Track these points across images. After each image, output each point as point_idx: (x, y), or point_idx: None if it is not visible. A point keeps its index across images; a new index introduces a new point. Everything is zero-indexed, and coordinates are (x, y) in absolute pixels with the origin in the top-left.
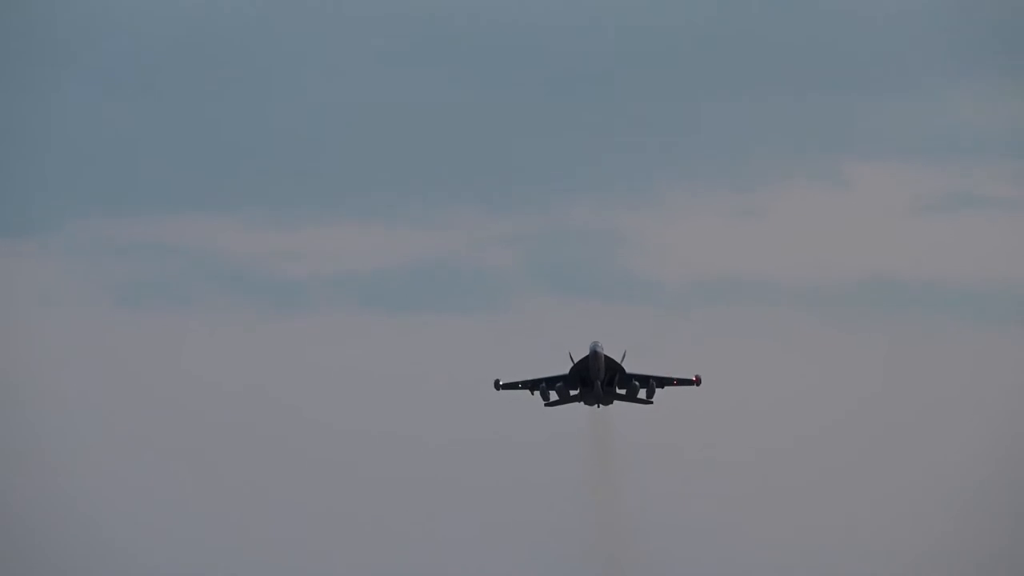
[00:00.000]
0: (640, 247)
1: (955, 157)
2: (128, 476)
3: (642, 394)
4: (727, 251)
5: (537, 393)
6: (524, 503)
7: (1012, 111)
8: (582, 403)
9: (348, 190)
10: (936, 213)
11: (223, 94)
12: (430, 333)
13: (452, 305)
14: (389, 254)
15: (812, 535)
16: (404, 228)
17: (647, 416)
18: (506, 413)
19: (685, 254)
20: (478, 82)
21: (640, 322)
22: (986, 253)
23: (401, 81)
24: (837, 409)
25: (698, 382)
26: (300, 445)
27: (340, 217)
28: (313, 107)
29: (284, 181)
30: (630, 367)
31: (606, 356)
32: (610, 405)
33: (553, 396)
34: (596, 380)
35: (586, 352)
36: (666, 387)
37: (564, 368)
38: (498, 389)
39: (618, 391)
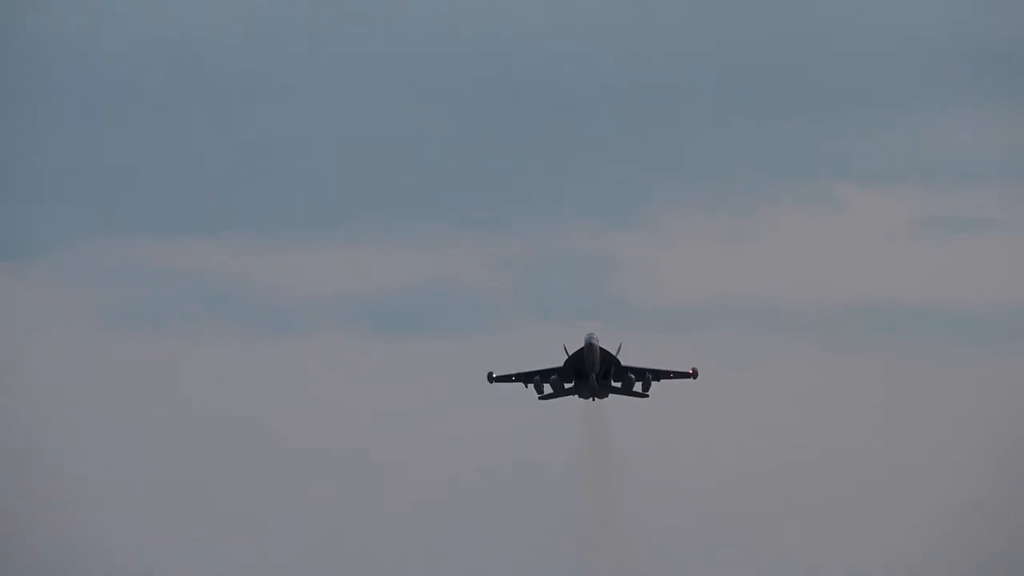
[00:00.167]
0: (634, 270)
1: (948, 181)
2: (119, 498)
3: (638, 387)
4: (721, 274)
5: (531, 386)
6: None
7: (1005, 135)
8: (577, 396)
9: (341, 213)
10: (929, 236)
11: (215, 117)
12: (424, 355)
13: (446, 327)
14: (382, 277)
15: (806, 553)
16: (397, 251)
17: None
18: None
19: (679, 277)
20: (472, 107)
21: (634, 344)
22: (979, 276)
23: (395, 105)
24: (830, 431)
25: (695, 375)
26: (292, 468)
27: (333, 240)
28: (305, 130)
29: (277, 204)
30: (625, 360)
31: (601, 348)
32: (605, 399)
33: (547, 389)
34: (591, 373)
35: (581, 344)
36: (662, 380)
37: (558, 360)
38: (491, 382)
39: (613, 384)
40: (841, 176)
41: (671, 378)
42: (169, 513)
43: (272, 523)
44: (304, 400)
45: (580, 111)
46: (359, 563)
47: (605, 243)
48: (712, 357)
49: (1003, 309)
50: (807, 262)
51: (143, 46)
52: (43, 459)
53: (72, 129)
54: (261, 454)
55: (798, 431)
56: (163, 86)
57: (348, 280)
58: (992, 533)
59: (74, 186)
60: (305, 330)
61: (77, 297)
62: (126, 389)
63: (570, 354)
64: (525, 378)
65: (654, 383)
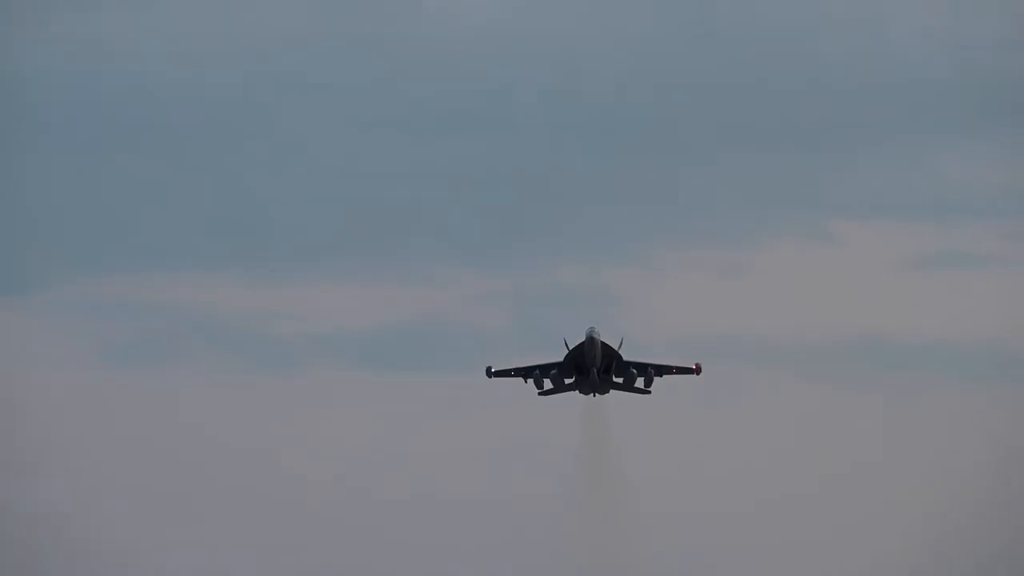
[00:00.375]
0: (630, 306)
1: (944, 216)
2: (116, 533)
3: (640, 383)
4: (717, 310)
5: (530, 381)
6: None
7: (1001, 171)
8: (577, 392)
9: (336, 248)
10: (925, 271)
11: (209, 153)
12: (419, 392)
13: (441, 364)
14: (377, 313)
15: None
16: (392, 287)
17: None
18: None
19: (675, 313)
20: (466, 143)
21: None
22: (975, 311)
23: (390, 142)
24: (827, 467)
25: (698, 371)
26: (289, 503)
27: (328, 275)
28: (299, 165)
29: (272, 240)
30: (627, 355)
31: (603, 342)
32: (606, 394)
33: (547, 384)
34: (592, 367)
35: (582, 338)
36: (664, 375)
37: (559, 355)
38: (490, 377)
39: (615, 379)
40: (839, 211)
41: (674, 373)
42: (167, 547)
43: (269, 556)
44: (301, 435)
45: (574, 146)
46: None
47: (601, 279)
48: (710, 392)
49: (1001, 343)
50: (804, 297)
51: (138, 84)
52: (40, 491)
53: (68, 166)
54: (258, 487)
55: (795, 467)
56: (160, 123)
57: (343, 316)
58: (990, 567)
59: (71, 222)
60: (302, 365)
61: (74, 332)
62: (122, 424)
63: (571, 348)
64: (524, 373)
65: (656, 379)
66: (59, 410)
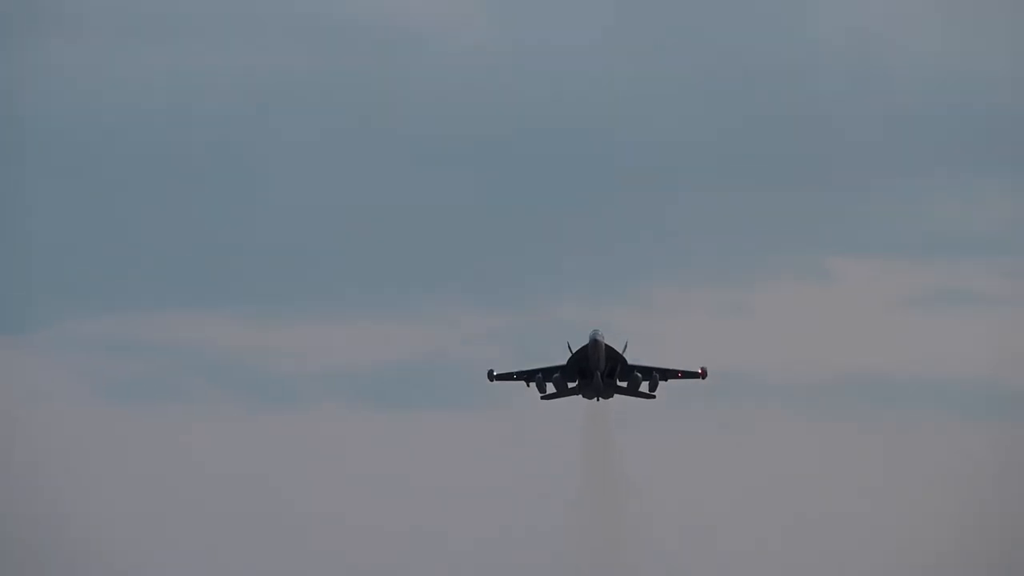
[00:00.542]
0: (630, 344)
1: (942, 253)
2: (119, 572)
3: (644, 387)
4: (716, 348)
5: (533, 385)
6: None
7: (999, 208)
8: (581, 396)
9: (337, 286)
10: (924, 308)
11: (210, 192)
12: (420, 428)
13: (442, 401)
14: (378, 350)
15: None
16: (392, 324)
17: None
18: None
19: (674, 351)
20: (467, 181)
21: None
22: (974, 349)
23: (391, 179)
24: (823, 504)
25: (704, 375)
26: (290, 539)
27: (329, 313)
28: (301, 204)
29: (273, 278)
30: (632, 358)
31: (607, 346)
32: (610, 399)
33: (550, 388)
34: (596, 371)
35: (585, 341)
36: (670, 379)
37: (562, 358)
38: (492, 380)
39: (619, 383)
40: (836, 249)
41: (679, 378)
42: None
43: None
44: (303, 471)
45: (574, 185)
46: None
47: (600, 317)
48: (707, 430)
49: (997, 381)
50: (802, 335)
51: (137, 121)
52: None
53: (70, 204)
54: (261, 524)
55: (792, 504)
56: (161, 160)
57: (343, 354)
58: None
59: (72, 261)
60: (302, 403)
61: (76, 370)
62: (124, 462)
63: (574, 351)
64: (527, 376)
65: (661, 383)
66: (60, 448)
